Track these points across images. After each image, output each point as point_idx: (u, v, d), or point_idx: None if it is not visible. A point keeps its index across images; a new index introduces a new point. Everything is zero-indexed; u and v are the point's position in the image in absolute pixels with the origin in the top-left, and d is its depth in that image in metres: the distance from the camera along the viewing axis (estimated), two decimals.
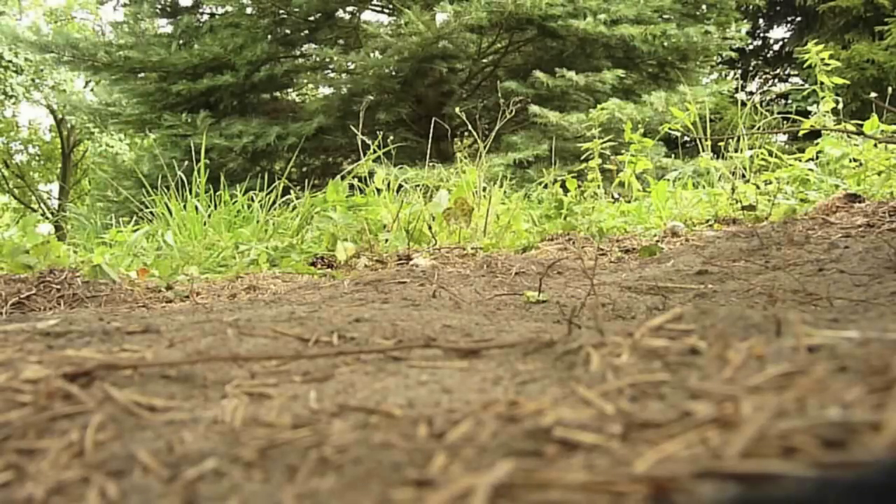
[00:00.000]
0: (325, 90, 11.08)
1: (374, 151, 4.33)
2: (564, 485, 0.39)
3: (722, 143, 5.47)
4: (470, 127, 5.00)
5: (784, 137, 9.70)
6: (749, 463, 0.39)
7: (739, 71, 14.18)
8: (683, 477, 0.38)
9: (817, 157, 4.53)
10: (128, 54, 9.05)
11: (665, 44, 8.75)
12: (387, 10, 10.20)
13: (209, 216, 4.17)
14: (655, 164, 6.84)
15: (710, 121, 6.59)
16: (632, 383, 0.57)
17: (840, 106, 4.75)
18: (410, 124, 9.23)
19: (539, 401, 0.55)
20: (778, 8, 13.73)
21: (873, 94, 3.99)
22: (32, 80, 20.31)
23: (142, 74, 9.55)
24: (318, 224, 3.72)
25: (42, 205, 22.94)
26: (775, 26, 14.46)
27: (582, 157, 5.42)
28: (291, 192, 4.52)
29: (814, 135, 5.87)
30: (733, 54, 10.26)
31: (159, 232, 3.95)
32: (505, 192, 4.55)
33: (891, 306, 1.12)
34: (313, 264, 3.12)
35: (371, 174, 4.28)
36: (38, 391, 0.62)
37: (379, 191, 4.09)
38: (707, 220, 3.76)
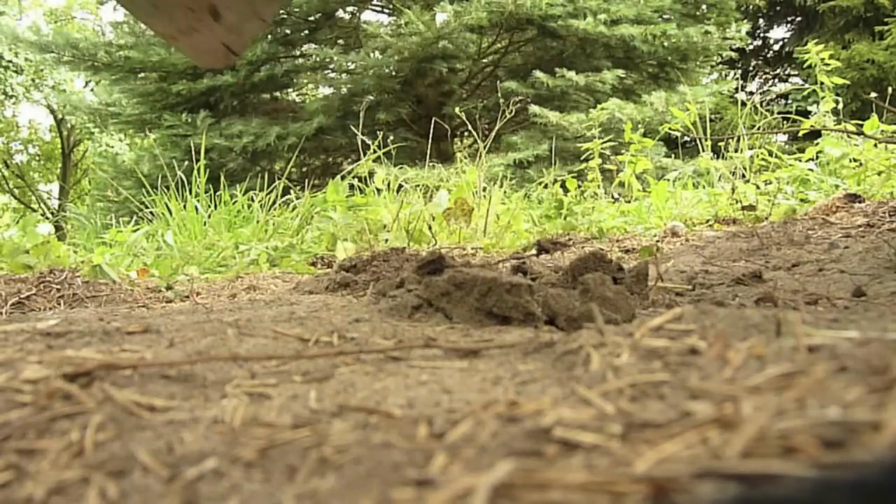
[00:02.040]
0: (325, 90, 11.08)
1: (374, 151, 4.33)
2: (564, 485, 0.39)
3: (722, 143, 5.47)
4: (470, 127, 5.00)
5: (784, 137, 9.70)
6: (749, 463, 0.39)
7: (739, 71, 14.19)
8: (683, 477, 0.38)
9: (817, 157, 4.53)
10: (128, 54, 9.05)
11: (665, 44, 8.75)
12: (387, 10, 10.21)
13: (209, 216, 4.17)
14: (655, 164, 6.85)
15: (710, 121, 6.60)
16: (632, 383, 0.57)
17: (840, 106, 4.75)
18: (410, 124, 9.23)
19: (539, 401, 0.55)
20: (778, 8, 13.73)
21: (873, 94, 3.99)
22: (32, 80, 20.30)
23: (142, 74, 9.55)
24: (318, 224, 3.72)
25: (42, 205, 22.93)
26: (775, 26, 14.46)
27: (582, 157, 5.42)
28: (291, 192, 4.53)
29: (814, 135, 5.87)
30: (733, 54, 10.26)
31: (159, 232, 3.96)
32: (505, 192, 4.55)
33: (891, 306, 1.12)
34: (313, 264, 3.12)
35: (371, 174, 4.28)
36: (38, 391, 0.62)
37: (379, 191, 4.09)
38: (707, 220, 3.76)
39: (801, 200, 3.76)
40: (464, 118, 4.85)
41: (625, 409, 0.51)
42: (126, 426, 0.56)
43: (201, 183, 4.34)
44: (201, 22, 1.18)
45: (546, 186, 5.31)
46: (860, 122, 4.36)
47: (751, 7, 12.20)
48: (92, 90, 14.91)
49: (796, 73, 13.73)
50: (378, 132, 4.75)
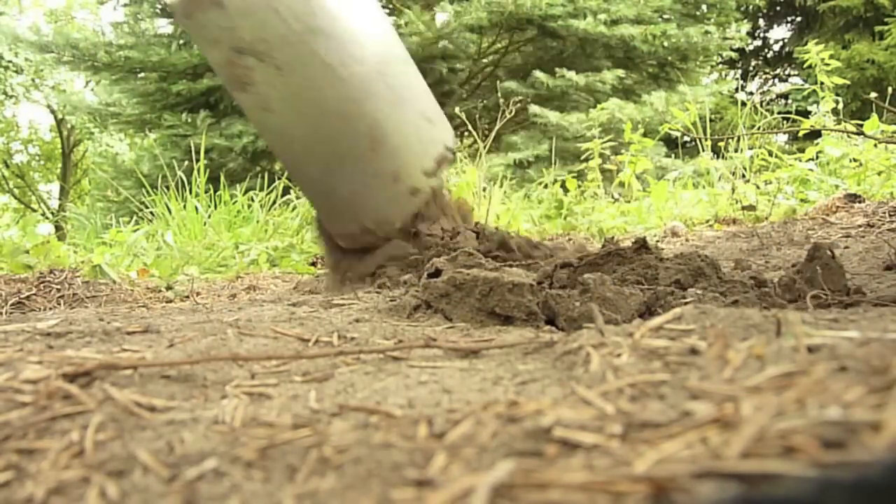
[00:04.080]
0: None
1: None
2: (564, 485, 0.39)
3: (722, 143, 5.47)
4: (470, 127, 4.99)
5: (784, 137, 9.70)
6: (749, 463, 0.39)
7: (739, 71, 14.18)
8: (683, 477, 0.38)
9: (817, 157, 4.53)
10: (128, 54, 9.04)
11: (665, 44, 8.75)
12: (387, 10, 10.20)
13: (209, 216, 4.17)
14: (655, 164, 6.84)
15: (710, 121, 6.60)
16: (632, 383, 0.57)
17: (840, 106, 4.75)
18: None
19: (539, 401, 0.55)
20: (778, 8, 13.73)
21: (873, 94, 3.99)
22: (32, 80, 20.29)
23: (142, 74, 9.54)
24: None
25: (42, 205, 22.91)
26: (775, 26, 14.46)
27: (582, 157, 5.42)
28: (291, 192, 4.53)
29: (814, 135, 5.87)
30: (733, 54, 10.25)
31: (159, 232, 3.95)
32: (505, 192, 4.54)
33: (891, 306, 1.12)
34: (313, 264, 3.12)
35: None
36: (38, 391, 0.62)
37: None
38: (707, 220, 3.76)
39: (801, 200, 3.76)
40: (464, 118, 4.85)
41: (625, 409, 0.51)
42: (126, 426, 0.56)
43: (201, 183, 4.34)
44: None
45: (546, 186, 5.31)
46: (860, 122, 4.35)
47: (751, 7, 12.19)
48: (92, 90, 14.89)
49: (796, 73, 13.73)
50: None
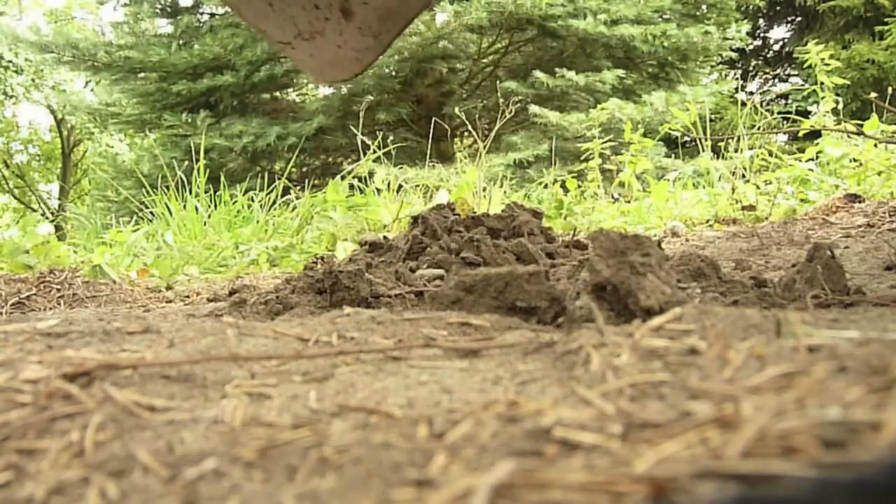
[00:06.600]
0: (325, 90, 11.06)
1: (374, 151, 4.33)
2: (564, 485, 0.39)
3: (722, 144, 5.47)
4: (470, 127, 5.00)
5: (784, 137, 9.70)
6: (749, 463, 0.39)
7: (739, 71, 14.18)
8: (683, 477, 0.38)
9: (817, 157, 4.54)
10: (128, 54, 9.04)
11: (665, 44, 8.75)
12: None
13: (209, 216, 4.17)
14: (655, 164, 6.84)
15: (710, 121, 6.60)
16: (632, 383, 0.57)
17: (840, 106, 4.75)
18: (410, 124, 9.23)
19: (539, 401, 0.55)
20: (778, 8, 13.73)
21: (873, 94, 3.99)
22: (32, 80, 20.30)
23: (142, 74, 9.54)
24: (318, 224, 3.72)
25: (42, 205, 22.91)
26: (775, 26, 14.46)
27: (582, 157, 5.42)
28: (291, 192, 4.53)
29: (814, 135, 5.87)
30: (733, 54, 10.25)
31: (159, 232, 3.96)
32: (505, 192, 4.54)
33: (891, 306, 1.12)
34: (314, 264, 3.12)
35: (371, 174, 4.28)
36: (38, 391, 0.62)
37: (379, 191, 4.09)
38: (707, 220, 3.76)
39: (801, 200, 3.76)
40: (464, 118, 4.85)
41: (625, 409, 0.51)
42: (126, 426, 0.56)
43: (201, 183, 4.34)
44: (328, 22, 0.99)
45: (546, 186, 5.31)
46: (860, 122, 4.36)
47: (751, 7, 12.19)
48: (92, 90, 14.89)
49: (796, 73, 13.72)
50: (378, 132, 4.76)
